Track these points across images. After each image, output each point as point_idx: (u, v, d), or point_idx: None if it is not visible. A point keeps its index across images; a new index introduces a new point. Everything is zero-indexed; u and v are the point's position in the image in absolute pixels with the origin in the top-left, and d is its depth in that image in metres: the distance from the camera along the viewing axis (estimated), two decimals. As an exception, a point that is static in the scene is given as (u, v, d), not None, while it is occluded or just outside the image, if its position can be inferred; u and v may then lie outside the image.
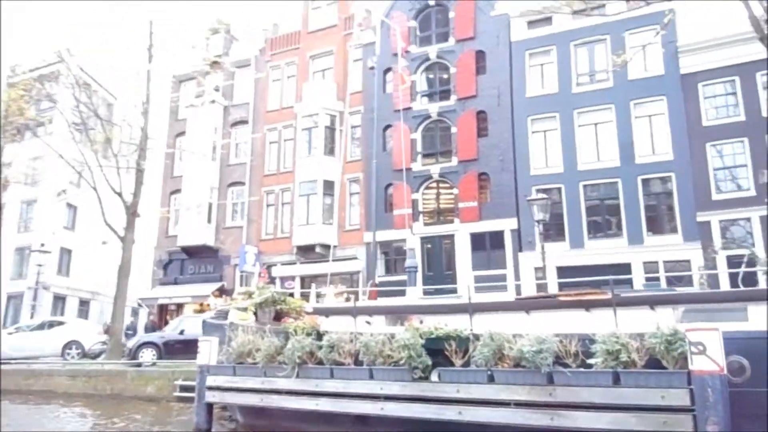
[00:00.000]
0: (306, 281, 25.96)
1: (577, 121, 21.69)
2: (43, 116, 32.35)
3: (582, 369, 5.71)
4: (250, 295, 11.74)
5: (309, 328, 8.24)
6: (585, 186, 21.12)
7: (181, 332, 17.05)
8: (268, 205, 27.58)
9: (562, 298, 6.98)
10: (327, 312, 8.80)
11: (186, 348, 16.85)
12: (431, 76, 25.08)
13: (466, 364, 6.62)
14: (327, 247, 25.01)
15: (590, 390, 5.50)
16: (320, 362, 7.93)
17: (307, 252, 25.34)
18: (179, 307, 29.10)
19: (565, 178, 21.39)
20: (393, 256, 24.29)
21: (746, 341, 5.27)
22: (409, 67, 24.79)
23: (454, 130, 23.65)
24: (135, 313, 41.67)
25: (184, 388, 14.71)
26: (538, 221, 15.20)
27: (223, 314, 10.24)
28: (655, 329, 5.41)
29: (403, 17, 25.25)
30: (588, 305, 6.83)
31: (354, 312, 8.35)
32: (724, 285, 17.03)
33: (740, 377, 5.23)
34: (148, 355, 16.61)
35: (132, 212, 20.20)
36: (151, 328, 23.91)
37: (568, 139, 21.68)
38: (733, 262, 17.74)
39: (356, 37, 26.26)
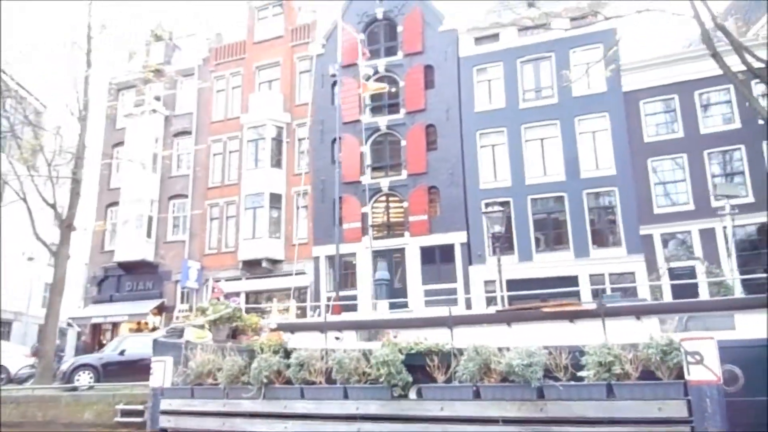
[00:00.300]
0: (251, 297, 25.16)
1: (524, 136, 22.11)
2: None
3: (573, 382, 5.58)
4: (203, 311, 11.15)
5: (275, 345, 7.80)
6: (533, 200, 21.49)
7: (122, 353, 16.04)
8: (211, 219, 26.66)
9: (546, 310, 6.87)
10: (292, 328, 8.37)
11: (127, 370, 15.92)
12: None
13: (448, 380, 6.38)
14: (274, 261, 24.45)
15: (583, 404, 5.37)
16: (288, 381, 7.52)
17: (253, 267, 24.60)
18: (115, 326, 27.66)
19: (514, 191, 21.70)
20: (343, 270, 23.86)
21: (735, 350, 5.28)
22: (359, 78, 24.67)
23: (403, 143, 23.63)
24: (63, 333, 39.49)
25: (126, 413, 13.79)
26: (493, 234, 15.25)
27: (177, 332, 9.61)
28: (648, 339, 5.34)
29: (351, 30, 25.12)
30: (573, 316, 6.76)
31: (324, 327, 7.96)
32: (667, 296, 17.61)
33: (733, 386, 5.23)
34: (84, 378, 15.52)
35: (67, 225, 18.98)
36: (82, 349, 22.54)
37: (515, 154, 22.04)
38: (675, 273, 18.42)
39: (311, 47, 25.96)
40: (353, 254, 23.53)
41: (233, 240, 25.76)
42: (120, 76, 28.92)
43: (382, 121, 24.14)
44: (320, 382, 7.23)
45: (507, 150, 22.25)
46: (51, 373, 17.96)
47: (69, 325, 30.36)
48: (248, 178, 25.43)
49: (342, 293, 22.87)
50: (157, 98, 28.63)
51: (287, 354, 7.71)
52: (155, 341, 9.70)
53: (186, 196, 27.22)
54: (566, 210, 21.00)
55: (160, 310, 25.99)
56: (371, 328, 8.15)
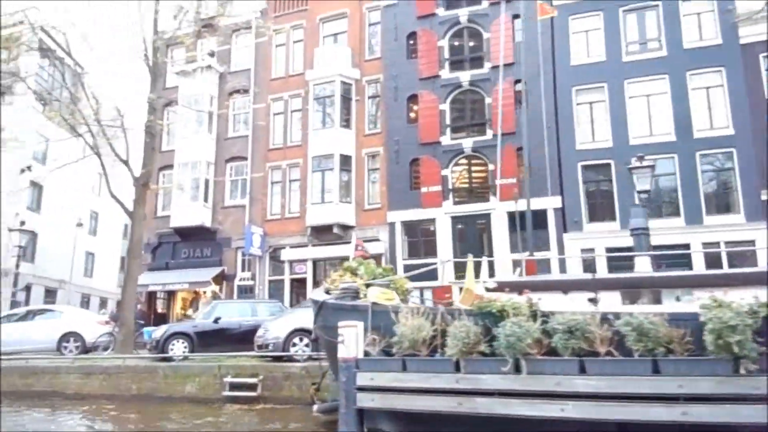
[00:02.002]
0: (319, 265, 23.71)
1: (627, 92, 20.28)
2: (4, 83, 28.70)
3: None
4: (353, 271, 9.62)
5: (524, 307, 6.23)
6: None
7: (216, 320, 14.56)
8: (273, 183, 25.05)
9: None
10: (523, 286, 6.79)
11: (222, 338, 14.54)
12: (460, 42, 23.09)
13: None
14: (345, 227, 22.90)
15: None
16: (551, 352, 5.95)
17: (322, 233, 23.04)
18: (171, 294, 26.34)
19: (615, 153, 19.95)
20: (420, 237, 22.31)
21: None
22: (437, 31, 22.84)
23: (488, 100, 21.82)
24: (104, 303, 38.40)
25: (235, 386, 12.45)
26: (640, 192, 13.57)
27: (351, 293, 8.04)
28: None
29: (428, -22, 23.20)
30: None
31: (579, 286, 6.44)
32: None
33: None
34: (179, 348, 14.09)
35: (143, 183, 17.42)
36: (139, 317, 21.12)
37: (617, 112, 20.25)
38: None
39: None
40: (432, 220, 21.95)
41: (297, 205, 24.19)
42: (169, 29, 27.06)
43: (464, 76, 22.31)
44: (603, 354, 5.65)
45: (607, 107, 20.45)
46: (132, 340, 16.63)
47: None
48: (315, 138, 23.72)
49: (421, 261, 21.46)
50: (211, 54, 26.82)
51: (534, 318, 6.14)
52: (324, 304, 8.12)
53: (244, 159, 25.58)
54: (676, 173, 19.26)
55: (221, 278, 24.58)
56: (645, 288, 6.58)
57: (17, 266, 21.27)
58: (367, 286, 8.43)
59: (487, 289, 7.11)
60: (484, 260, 8.29)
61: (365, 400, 6.87)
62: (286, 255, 23.77)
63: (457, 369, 6.35)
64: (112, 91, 22.93)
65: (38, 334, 16.91)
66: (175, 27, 20.17)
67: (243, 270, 24.79)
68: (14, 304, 21.67)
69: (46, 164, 32.22)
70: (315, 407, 10.35)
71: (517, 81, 21.55)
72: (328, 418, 10.11)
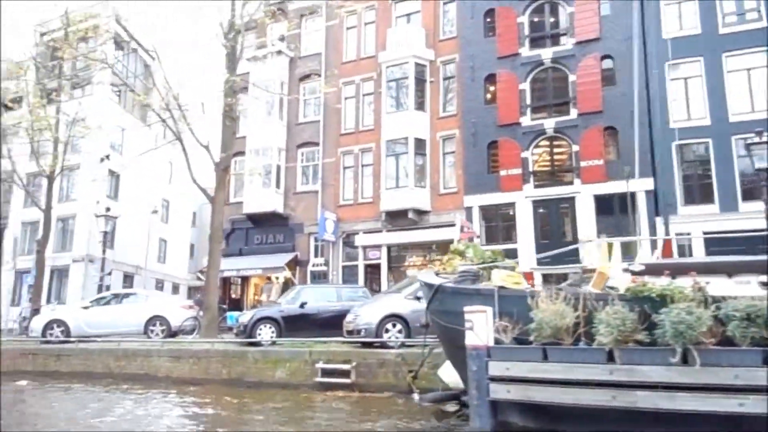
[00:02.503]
0: (393, 250, 23.34)
1: (726, 66, 18.85)
2: (82, 75, 29.53)
3: None
4: (461, 254, 9.08)
5: (689, 292, 5.54)
6: (738, 140, 18.30)
7: (302, 305, 14.34)
8: (345, 168, 24.75)
9: None
10: (679, 269, 6.09)
11: (308, 323, 14.30)
12: (540, 18, 22.05)
13: None
14: (420, 212, 22.39)
15: None
16: (727, 341, 5.26)
17: (396, 218, 22.59)
18: (244, 280, 26.55)
19: (714, 131, 18.64)
20: (499, 222, 21.56)
21: None
22: (515, 7, 21.89)
23: (572, 78, 20.78)
24: (176, 288, 39.34)
25: (327, 372, 12.16)
26: (758, 170, 12.48)
27: (470, 276, 7.50)
28: None
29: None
30: None
31: (753, 268, 5.73)
32: None
33: None
34: (266, 333, 13.95)
35: (223, 168, 17.38)
36: (220, 302, 21.21)
37: (715, 87, 18.87)
38: None
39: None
40: (511, 204, 21.15)
41: (371, 190, 23.82)
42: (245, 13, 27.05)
43: (546, 53, 21.29)
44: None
45: (704, 83, 19.09)
46: (216, 325, 16.67)
47: (198, 278, 29.67)
48: (388, 122, 23.23)
49: (500, 246, 20.71)
50: (281, 39, 26.68)
51: (705, 304, 5.44)
52: (441, 288, 7.62)
53: (316, 144, 25.39)
54: (783, 151, 17.77)
55: (294, 263, 24.54)
56: None
57: (103, 252, 21.70)
58: (489, 269, 7.88)
59: (633, 273, 6.43)
60: (616, 242, 7.58)
61: (499, 392, 6.35)
62: (359, 240, 23.48)
63: (611, 359, 5.74)
64: (188, 78, 23.22)
65: (126, 318, 17.21)
66: (250, 11, 19.95)
67: (316, 256, 24.68)
68: (101, 288, 22.17)
69: (123, 154, 33.11)
70: (417, 396, 9.94)
71: (604, 57, 20.47)
72: (434, 407, 9.68)
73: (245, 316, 14.13)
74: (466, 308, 6.77)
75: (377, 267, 23.38)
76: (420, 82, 23.25)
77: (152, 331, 17.17)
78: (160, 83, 18.71)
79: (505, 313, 6.71)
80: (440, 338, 8.54)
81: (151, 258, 36.26)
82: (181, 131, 17.34)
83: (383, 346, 12.46)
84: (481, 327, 6.57)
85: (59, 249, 30.25)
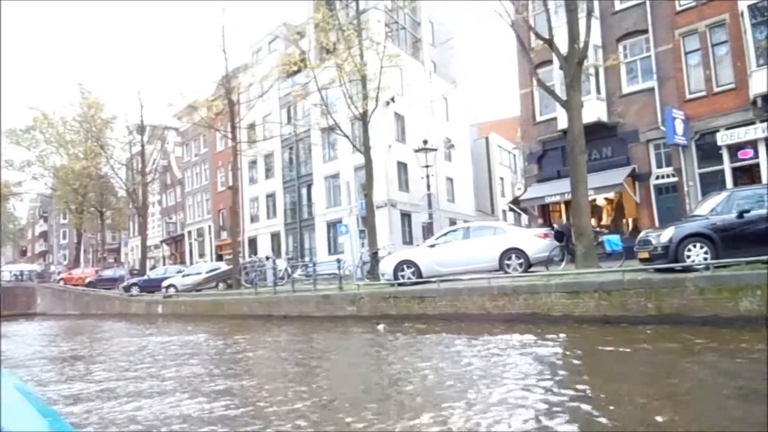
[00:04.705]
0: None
1: None
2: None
3: None
4: None
5: None
6: None
7: (741, 214, 10.47)
8: (687, 53, 19.69)
9: None
10: None
11: (748, 238, 10.43)
12: None
13: None
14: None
15: None
16: None
17: (776, 103, 17.09)
18: (566, 205, 23.38)
19: None
20: None
21: None
22: None
23: None
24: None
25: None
26: None
27: None
28: None
29: None
30: None
31: None
32: None
33: None
34: (698, 254, 10.49)
35: (578, 61, 14.09)
36: (567, 230, 18.32)
37: None
38: None
39: None
40: None
41: (729, 74, 18.52)
42: None
43: None
44: None
45: None
46: (594, 252, 13.83)
47: (511, 209, 27.57)
48: (751, -21, 17.51)
49: None
50: None
51: None
52: None
53: (642, 32, 20.69)
54: None
55: (631, 179, 20.59)
56: None
57: (428, 188, 20.47)
58: None
59: None
60: None
61: None
62: (722, 138, 18.50)
63: None
64: None
65: (478, 253, 15.36)
66: None
67: (659, 166, 20.35)
68: (430, 227, 21.06)
69: (403, 95, 32.14)
70: None
71: None
72: None
73: (665, 235, 10.79)
74: None
75: (749, 170, 18.25)
76: None
77: (508, 265, 15.04)
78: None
79: None
80: None
81: (442, 197, 35.32)
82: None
83: None
84: None
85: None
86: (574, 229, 14.32)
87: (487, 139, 45.20)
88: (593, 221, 21.22)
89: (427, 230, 21.28)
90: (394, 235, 30.47)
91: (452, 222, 36.63)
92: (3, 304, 37.94)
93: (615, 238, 14.61)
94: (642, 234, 11.75)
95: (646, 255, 11.09)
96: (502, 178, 46.43)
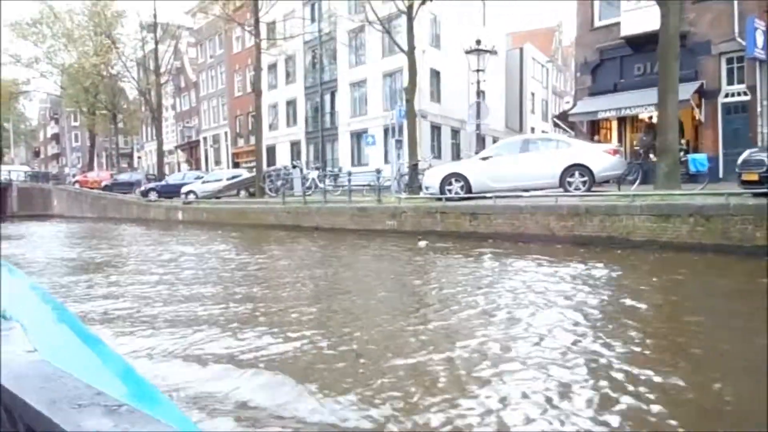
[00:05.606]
0: None
1: None
2: None
3: None
4: None
5: None
6: None
7: None
8: (778, -51, 17.33)
9: None
10: None
11: None
12: None
13: None
14: None
15: None
16: None
17: None
18: (621, 121, 21.75)
19: None
20: None
21: None
22: None
23: None
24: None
25: None
26: None
27: None
28: None
29: None
30: None
31: None
32: None
33: None
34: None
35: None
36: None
37: None
38: None
39: None
40: None
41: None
42: None
43: None
44: None
45: None
46: (678, 170, 12.46)
47: (556, 124, 25.90)
48: None
49: None
50: None
51: None
52: None
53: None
54: None
55: (697, 95, 18.78)
56: None
57: (478, 96, 18.76)
58: None
59: None
60: None
61: None
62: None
63: None
64: None
65: (538, 168, 13.97)
66: None
67: (730, 83, 18.49)
68: (478, 138, 19.51)
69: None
70: None
71: None
72: None
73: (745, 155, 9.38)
74: None
75: None
76: None
77: (570, 183, 13.69)
78: None
79: None
80: None
81: (472, 112, 33.42)
82: None
83: None
84: None
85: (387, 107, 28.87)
86: (659, 146, 12.84)
87: (521, 49, 42.46)
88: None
89: (476, 143, 19.74)
90: (422, 148, 28.93)
91: (479, 138, 34.97)
92: (18, 205, 37.34)
93: (702, 157, 13.15)
94: (746, 154, 10.27)
95: (754, 177, 9.68)
96: (533, 94, 44.11)
